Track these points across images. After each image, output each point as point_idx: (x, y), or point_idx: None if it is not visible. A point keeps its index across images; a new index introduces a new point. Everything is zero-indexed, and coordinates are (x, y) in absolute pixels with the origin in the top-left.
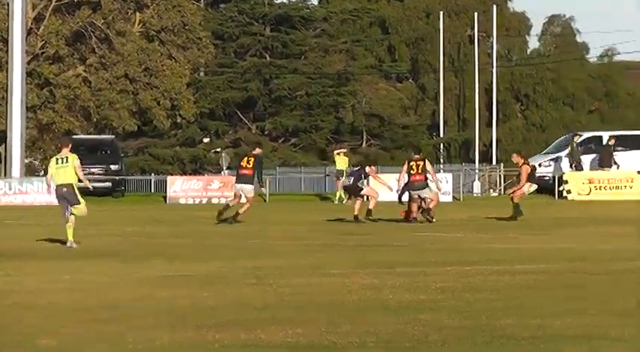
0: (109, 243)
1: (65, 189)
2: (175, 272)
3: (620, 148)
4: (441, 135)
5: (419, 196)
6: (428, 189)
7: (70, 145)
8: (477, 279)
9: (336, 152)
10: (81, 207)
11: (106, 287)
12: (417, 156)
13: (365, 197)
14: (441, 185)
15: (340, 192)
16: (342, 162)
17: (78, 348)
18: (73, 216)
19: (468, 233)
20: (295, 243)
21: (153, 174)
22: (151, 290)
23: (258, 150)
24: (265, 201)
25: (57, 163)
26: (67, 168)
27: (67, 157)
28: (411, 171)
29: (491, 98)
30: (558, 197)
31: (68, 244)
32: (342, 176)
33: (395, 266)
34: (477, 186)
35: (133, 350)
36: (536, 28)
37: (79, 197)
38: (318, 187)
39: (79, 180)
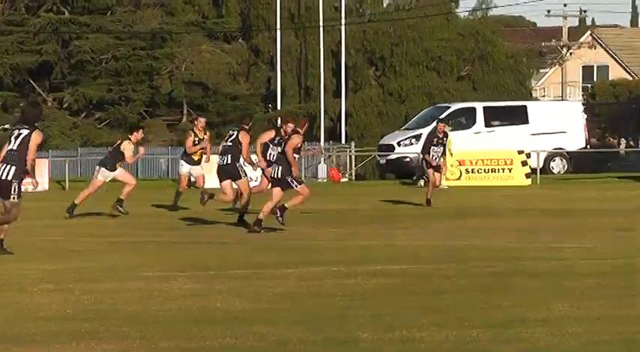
0: None
1: None
2: None
3: (495, 123)
4: (279, 107)
5: None
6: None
7: None
8: (325, 283)
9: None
10: None
11: None
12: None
13: None
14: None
15: None
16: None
17: None
18: None
19: (314, 228)
20: (101, 240)
21: None
22: None
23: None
24: (64, 189)
25: None
26: None
27: None
28: None
29: (340, 62)
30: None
31: None
32: None
33: (222, 269)
34: (322, 170)
35: None
36: None
37: None
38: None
39: None
